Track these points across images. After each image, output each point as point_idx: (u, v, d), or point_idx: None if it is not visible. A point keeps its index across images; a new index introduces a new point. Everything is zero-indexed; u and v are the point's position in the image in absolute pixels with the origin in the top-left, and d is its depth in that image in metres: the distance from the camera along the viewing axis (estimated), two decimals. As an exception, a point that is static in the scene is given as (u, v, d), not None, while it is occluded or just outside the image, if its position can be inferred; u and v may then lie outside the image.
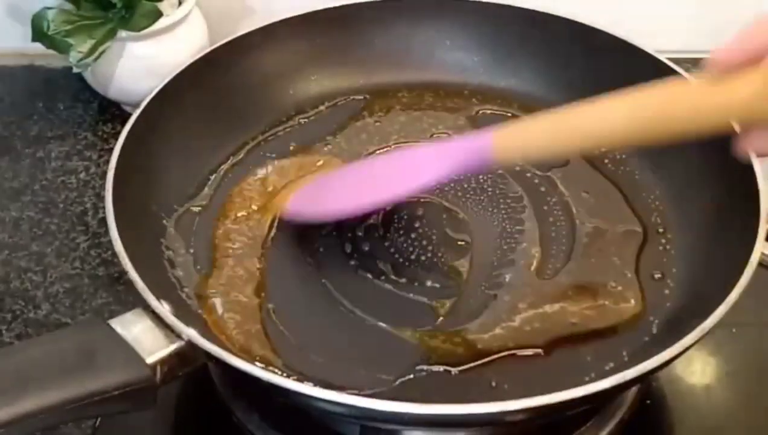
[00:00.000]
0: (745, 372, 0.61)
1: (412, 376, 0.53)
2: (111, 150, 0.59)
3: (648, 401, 0.58)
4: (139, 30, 0.76)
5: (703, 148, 0.61)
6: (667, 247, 0.60)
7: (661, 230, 0.61)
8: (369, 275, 0.59)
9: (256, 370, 0.46)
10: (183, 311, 0.53)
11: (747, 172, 0.56)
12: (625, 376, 0.45)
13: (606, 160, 0.67)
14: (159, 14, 0.76)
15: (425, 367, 0.53)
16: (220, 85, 0.68)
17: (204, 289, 0.58)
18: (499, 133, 0.55)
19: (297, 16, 0.72)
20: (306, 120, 0.71)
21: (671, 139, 0.50)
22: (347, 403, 0.45)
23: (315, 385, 0.50)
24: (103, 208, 0.55)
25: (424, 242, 0.61)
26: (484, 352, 0.54)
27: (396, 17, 0.74)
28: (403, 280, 0.58)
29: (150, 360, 0.46)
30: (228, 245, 0.61)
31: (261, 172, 0.66)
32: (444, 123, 0.70)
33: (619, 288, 0.58)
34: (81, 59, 0.75)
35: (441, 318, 0.56)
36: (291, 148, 0.68)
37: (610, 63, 0.68)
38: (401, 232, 0.62)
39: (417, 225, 0.62)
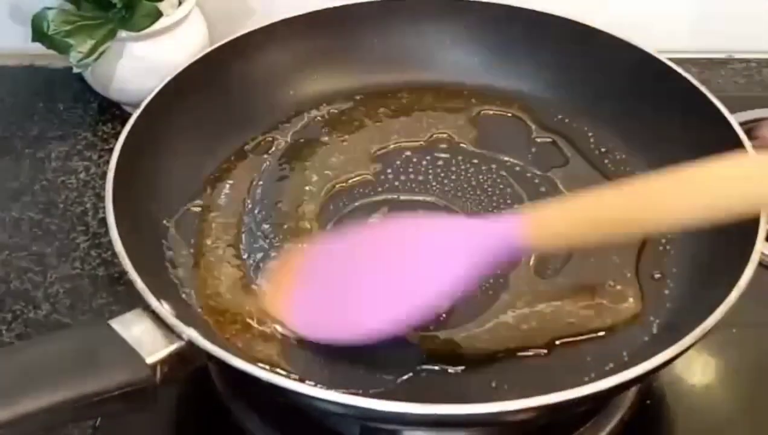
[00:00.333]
0: (745, 372, 0.61)
1: (412, 376, 0.53)
2: (111, 150, 0.59)
3: (648, 401, 0.58)
4: (139, 30, 0.76)
5: (704, 148, 0.61)
6: (667, 247, 0.60)
7: (661, 230, 0.61)
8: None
9: (256, 370, 0.46)
10: (183, 311, 0.53)
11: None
12: (625, 376, 0.45)
13: (606, 161, 0.67)
14: (159, 14, 0.76)
15: (425, 367, 0.53)
16: (220, 85, 0.68)
17: (205, 289, 0.58)
18: (534, 218, 0.49)
19: (297, 16, 0.72)
20: (306, 120, 0.71)
21: (727, 218, 0.47)
22: (347, 403, 0.45)
23: (315, 385, 0.50)
24: (103, 208, 0.55)
25: (424, 242, 0.61)
26: (484, 352, 0.54)
27: (396, 17, 0.74)
28: (403, 280, 0.58)
29: (150, 360, 0.46)
30: (228, 245, 0.61)
31: (261, 172, 0.66)
32: (444, 123, 0.70)
33: (619, 287, 0.58)
34: (81, 59, 0.75)
35: (441, 318, 0.56)
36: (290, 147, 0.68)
37: (610, 63, 0.68)
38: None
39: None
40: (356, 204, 0.64)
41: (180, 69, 0.65)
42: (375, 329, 0.50)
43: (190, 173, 0.65)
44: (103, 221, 0.56)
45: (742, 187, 0.47)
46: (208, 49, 0.69)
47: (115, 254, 0.52)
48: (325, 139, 0.69)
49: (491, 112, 0.71)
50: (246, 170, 0.66)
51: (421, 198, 0.64)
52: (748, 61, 0.89)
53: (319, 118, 0.71)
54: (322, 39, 0.73)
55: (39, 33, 0.75)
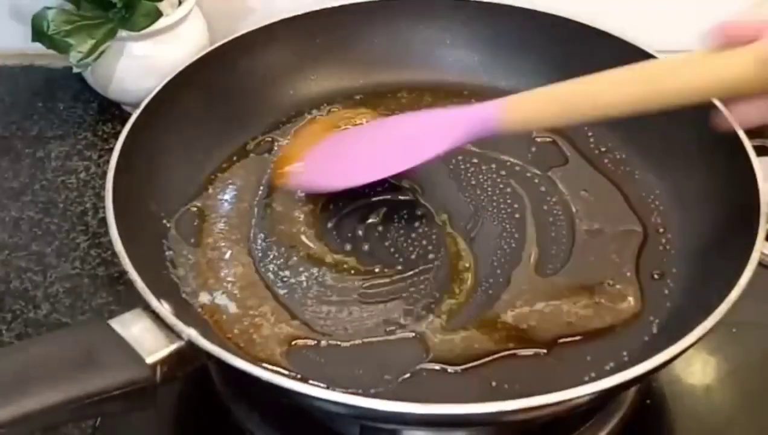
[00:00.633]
0: (745, 372, 0.61)
1: (412, 376, 0.53)
2: (111, 150, 0.59)
3: (648, 401, 0.58)
4: (139, 30, 0.76)
5: (704, 147, 0.61)
6: (667, 247, 0.60)
7: (661, 230, 0.61)
8: (369, 275, 0.59)
9: (256, 370, 0.46)
10: (183, 311, 0.53)
11: (747, 172, 0.56)
12: (625, 376, 0.45)
13: (606, 160, 0.67)
14: (159, 14, 0.76)
15: (425, 367, 0.53)
16: (220, 85, 0.68)
17: (205, 289, 0.58)
18: (509, 101, 0.57)
19: (297, 16, 0.72)
20: (306, 120, 0.71)
21: (667, 107, 0.53)
22: (347, 403, 0.45)
23: (315, 385, 0.50)
24: (103, 208, 0.55)
25: (424, 242, 0.61)
26: (484, 351, 0.54)
27: (396, 17, 0.74)
28: (403, 280, 0.58)
29: (150, 360, 0.46)
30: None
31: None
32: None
33: (618, 287, 0.58)
34: (81, 59, 0.74)
35: (441, 318, 0.56)
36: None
37: (610, 63, 0.68)
38: (401, 231, 0.62)
39: (417, 225, 0.62)
40: (355, 205, 0.64)
41: (180, 69, 0.65)
42: (369, 174, 0.60)
43: (190, 173, 0.65)
44: (103, 221, 0.56)
45: (687, 79, 0.53)
46: (208, 49, 0.69)
47: (115, 254, 0.52)
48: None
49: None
50: (246, 170, 0.66)
51: (420, 199, 0.64)
52: (748, 60, 0.89)
53: (319, 117, 0.71)
54: (322, 39, 0.73)
55: (39, 33, 0.75)
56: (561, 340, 0.54)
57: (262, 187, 0.65)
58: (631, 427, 0.56)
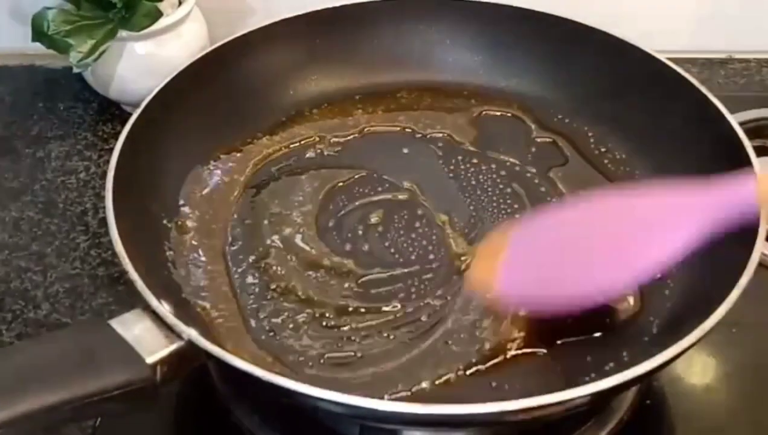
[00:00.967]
0: (746, 372, 0.61)
1: (412, 376, 0.53)
2: (111, 150, 0.59)
3: (648, 401, 0.58)
4: (139, 30, 0.76)
5: (704, 147, 0.61)
6: (667, 247, 0.60)
7: (661, 230, 0.61)
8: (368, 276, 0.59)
9: (256, 370, 0.46)
10: (183, 311, 0.53)
11: (747, 172, 0.56)
12: (625, 376, 0.45)
13: (606, 160, 0.67)
14: (159, 14, 0.76)
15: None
16: (220, 85, 0.68)
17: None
18: (762, 179, 0.47)
19: (297, 16, 0.72)
20: (306, 120, 0.71)
21: None
22: (347, 403, 0.45)
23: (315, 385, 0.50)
24: (103, 208, 0.55)
25: (424, 242, 0.61)
26: (485, 351, 0.54)
27: (396, 17, 0.74)
28: (403, 280, 0.58)
29: (150, 360, 0.46)
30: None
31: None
32: (443, 123, 0.70)
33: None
34: (81, 59, 0.74)
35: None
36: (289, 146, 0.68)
37: (610, 63, 0.68)
38: (401, 232, 0.62)
39: (417, 225, 0.62)
40: (355, 203, 0.64)
41: (180, 69, 0.65)
42: (590, 295, 0.49)
43: (190, 172, 0.65)
44: (103, 221, 0.56)
45: None
46: (208, 49, 0.69)
47: (115, 254, 0.52)
48: (325, 139, 0.69)
49: (491, 113, 0.71)
50: (246, 169, 0.66)
51: (420, 199, 0.64)
52: (748, 61, 0.89)
53: (319, 118, 0.71)
54: (322, 39, 0.73)
55: (39, 33, 0.75)
56: (561, 340, 0.54)
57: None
58: (631, 427, 0.56)
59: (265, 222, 0.62)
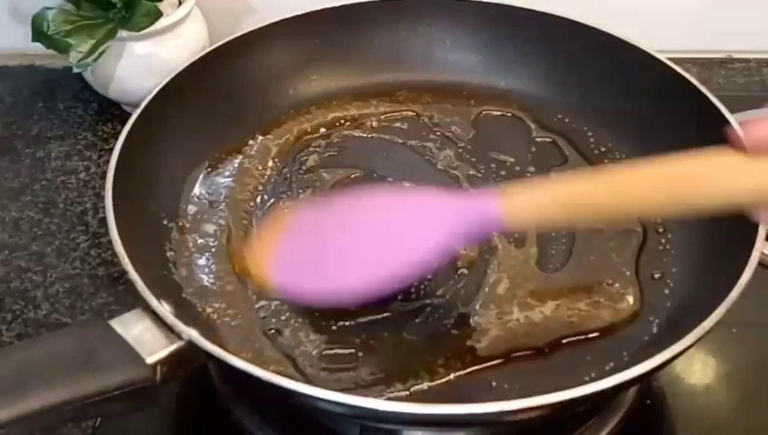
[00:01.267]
0: (745, 372, 0.61)
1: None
2: (111, 150, 0.59)
3: (648, 401, 0.58)
4: (139, 30, 0.76)
5: (705, 147, 0.61)
6: (667, 247, 0.60)
7: (661, 230, 0.61)
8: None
9: (256, 370, 0.46)
10: (183, 311, 0.53)
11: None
12: (625, 376, 0.45)
13: (606, 160, 0.67)
14: (159, 14, 0.76)
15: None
16: (220, 85, 0.68)
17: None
18: (509, 198, 0.50)
19: (297, 16, 0.72)
20: (306, 120, 0.71)
21: (695, 212, 0.49)
22: (347, 403, 0.45)
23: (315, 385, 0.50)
24: (103, 208, 0.55)
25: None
26: (485, 351, 0.54)
27: (396, 17, 0.74)
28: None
29: (150, 360, 0.46)
30: (228, 245, 0.61)
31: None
32: (443, 123, 0.70)
33: (618, 286, 0.58)
34: (81, 59, 0.74)
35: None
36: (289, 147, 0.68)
37: (610, 63, 0.68)
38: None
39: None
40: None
41: (180, 69, 0.65)
42: (348, 292, 0.51)
43: (190, 173, 0.65)
44: (103, 221, 0.56)
45: (717, 183, 0.48)
46: (208, 49, 0.69)
47: (115, 254, 0.52)
48: (326, 139, 0.69)
49: (491, 112, 0.71)
50: (246, 169, 0.66)
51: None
52: (747, 60, 0.89)
53: (319, 118, 0.71)
54: (321, 39, 0.73)
55: (39, 33, 0.75)
56: (561, 340, 0.54)
57: (261, 187, 0.65)
58: (631, 427, 0.56)
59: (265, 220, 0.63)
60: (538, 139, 0.69)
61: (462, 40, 0.74)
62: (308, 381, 0.52)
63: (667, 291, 0.57)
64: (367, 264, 0.51)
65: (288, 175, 0.66)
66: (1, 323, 0.64)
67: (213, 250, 0.60)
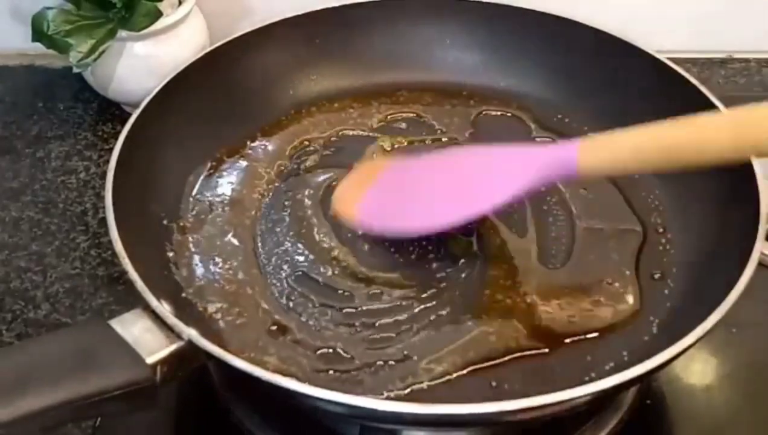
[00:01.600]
0: (745, 372, 0.61)
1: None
2: (111, 150, 0.59)
3: (648, 401, 0.58)
4: (139, 30, 0.76)
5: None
6: (667, 247, 0.60)
7: (661, 230, 0.61)
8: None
9: (256, 370, 0.46)
10: (183, 311, 0.53)
11: (747, 172, 0.56)
12: (625, 376, 0.45)
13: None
14: (159, 14, 0.76)
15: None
16: (220, 85, 0.68)
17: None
18: (585, 145, 0.54)
19: (297, 15, 0.72)
20: (306, 120, 0.71)
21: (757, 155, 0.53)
22: (347, 403, 0.45)
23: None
24: (103, 208, 0.55)
25: (424, 242, 0.61)
26: (485, 351, 0.54)
27: (396, 17, 0.74)
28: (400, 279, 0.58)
29: (150, 360, 0.46)
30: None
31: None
32: (444, 123, 0.70)
33: (617, 285, 0.58)
34: (81, 59, 0.74)
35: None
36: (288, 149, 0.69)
37: (610, 63, 0.68)
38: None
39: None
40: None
41: (180, 69, 0.65)
42: (433, 223, 0.57)
43: (190, 173, 0.65)
44: (103, 221, 0.56)
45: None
46: (208, 49, 0.69)
47: (115, 254, 0.52)
48: (325, 140, 0.69)
49: (490, 112, 0.71)
50: (247, 169, 0.66)
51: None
52: (748, 61, 0.89)
53: (319, 118, 0.71)
54: (321, 39, 0.73)
55: (39, 33, 0.75)
56: (562, 340, 0.54)
57: (261, 187, 0.65)
58: (631, 427, 0.56)
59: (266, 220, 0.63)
60: (538, 139, 0.69)
61: (462, 40, 0.74)
62: (309, 381, 0.52)
63: (667, 291, 0.57)
64: (451, 204, 0.57)
65: (288, 175, 0.66)
66: (1, 323, 0.64)
67: (213, 250, 0.60)
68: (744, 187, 0.56)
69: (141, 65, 0.77)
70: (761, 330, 0.63)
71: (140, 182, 0.60)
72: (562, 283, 0.58)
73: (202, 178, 0.65)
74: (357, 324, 0.56)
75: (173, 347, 0.47)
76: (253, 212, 0.63)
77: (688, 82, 0.63)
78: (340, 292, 0.58)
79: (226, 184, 0.65)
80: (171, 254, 0.59)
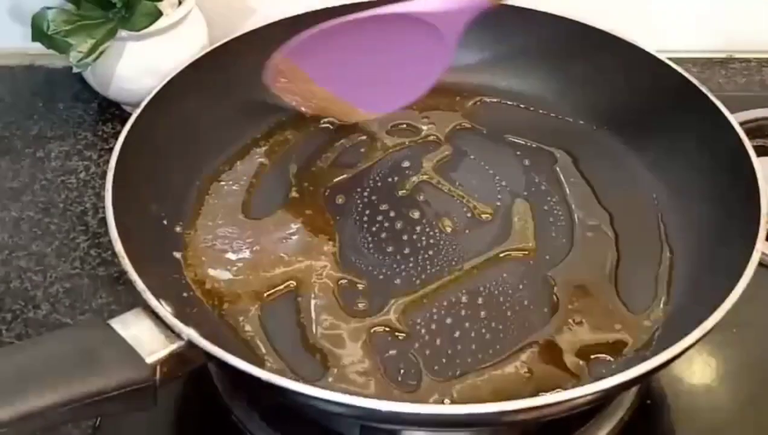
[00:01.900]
0: (746, 372, 0.61)
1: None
2: (111, 150, 0.59)
3: (648, 401, 0.58)
4: (139, 30, 0.76)
5: (704, 147, 0.61)
6: (667, 246, 0.60)
7: (661, 230, 0.61)
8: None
9: (256, 370, 0.46)
10: (184, 311, 0.53)
11: (747, 172, 0.56)
12: (625, 376, 0.45)
13: (606, 160, 0.67)
14: (159, 14, 0.76)
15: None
16: (220, 85, 0.68)
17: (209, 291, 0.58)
18: None
19: (296, 15, 0.71)
20: (306, 120, 0.71)
21: None
22: (347, 403, 0.45)
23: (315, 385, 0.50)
24: (103, 208, 0.55)
25: (424, 242, 0.61)
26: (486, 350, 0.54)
27: (396, 17, 0.74)
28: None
29: (150, 360, 0.46)
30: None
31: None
32: (443, 123, 0.70)
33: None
34: (81, 59, 0.74)
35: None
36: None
37: (611, 63, 0.68)
38: (402, 234, 0.62)
39: (418, 228, 0.62)
40: (356, 198, 0.64)
41: (180, 69, 0.65)
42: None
43: (190, 173, 0.65)
44: (103, 221, 0.56)
45: None
46: (208, 49, 0.69)
47: (115, 254, 0.52)
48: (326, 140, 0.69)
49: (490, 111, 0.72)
50: (247, 170, 0.66)
51: (420, 199, 0.64)
52: (748, 60, 0.89)
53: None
54: (321, 39, 0.73)
55: (39, 32, 0.75)
56: (560, 340, 0.54)
57: (261, 187, 0.65)
58: (631, 427, 0.56)
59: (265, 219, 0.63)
60: (537, 145, 0.69)
61: (462, 40, 0.74)
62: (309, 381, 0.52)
63: (667, 291, 0.57)
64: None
65: (287, 175, 0.66)
66: (1, 323, 0.64)
67: (213, 250, 0.60)
68: (744, 187, 0.56)
69: (141, 65, 0.77)
70: (761, 330, 0.63)
71: (140, 182, 0.60)
72: (561, 283, 0.58)
73: (201, 177, 0.65)
74: (359, 323, 0.56)
75: (173, 347, 0.47)
76: (252, 212, 0.63)
77: (688, 82, 0.63)
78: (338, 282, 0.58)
79: (225, 184, 0.65)
80: (170, 254, 0.59)
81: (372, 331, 0.55)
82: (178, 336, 0.47)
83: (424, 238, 0.61)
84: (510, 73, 0.73)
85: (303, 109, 0.67)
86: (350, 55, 0.61)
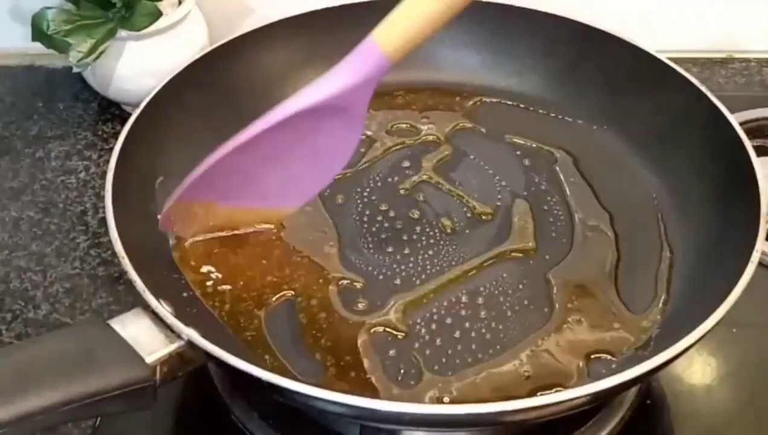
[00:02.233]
0: (746, 372, 0.61)
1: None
2: (111, 150, 0.59)
3: (648, 401, 0.58)
4: (139, 30, 0.76)
5: (704, 147, 0.61)
6: (667, 246, 0.60)
7: (661, 230, 0.61)
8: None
9: (256, 370, 0.46)
10: (183, 311, 0.53)
11: (747, 172, 0.56)
12: (625, 376, 0.45)
13: (606, 160, 0.67)
14: (159, 14, 0.76)
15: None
16: (220, 85, 0.68)
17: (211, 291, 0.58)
18: (379, 32, 0.55)
19: (296, 15, 0.72)
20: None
21: None
22: (347, 403, 0.45)
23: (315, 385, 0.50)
24: (103, 208, 0.55)
25: (424, 242, 0.61)
26: (487, 351, 0.54)
27: (396, 17, 0.74)
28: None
29: (150, 360, 0.46)
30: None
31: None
32: (443, 123, 0.70)
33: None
34: (81, 59, 0.74)
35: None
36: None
37: (610, 62, 0.68)
38: (402, 234, 0.62)
39: (417, 229, 0.62)
40: (356, 198, 0.64)
41: (180, 69, 0.65)
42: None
43: (190, 173, 0.65)
44: (103, 221, 0.56)
45: None
46: (208, 49, 0.69)
47: (115, 254, 0.52)
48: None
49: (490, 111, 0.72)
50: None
51: (420, 199, 0.64)
52: (748, 60, 0.89)
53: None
54: (321, 39, 0.73)
55: (39, 32, 0.75)
56: (560, 339, 0.54)
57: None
58: (631, 427, 0.56)
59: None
60: (536, 146, 0.69)
61: (462, 40, 0.74)
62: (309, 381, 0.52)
63: (667, 291, 0.57)
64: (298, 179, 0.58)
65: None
66: (1, 323, 0.64)
67: (213, 250, 0.60)
68: (744, 187, 0.56)
69: (141, 65, 0.77)
70: (761, 330, 0.63)
71: (140, 182, 0.60)
72: (561, 283, 0.58)
73: (202, 178, 0.65)
74: (359, 323, 0.56)
75: (173, 347, 0.47)
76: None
77: (688, 82, 0.63)
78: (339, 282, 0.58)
79: (226, 184, 0.65)
80: (171, 254, 0.59)
81: (372, 331, 0.55)
82: (178, 336, 0.47)
83: (424, 238, 0.61)
84: (510, 73, 0.73)
85: (214, 233, 0.60)
86: (252, 168, 0.58)
